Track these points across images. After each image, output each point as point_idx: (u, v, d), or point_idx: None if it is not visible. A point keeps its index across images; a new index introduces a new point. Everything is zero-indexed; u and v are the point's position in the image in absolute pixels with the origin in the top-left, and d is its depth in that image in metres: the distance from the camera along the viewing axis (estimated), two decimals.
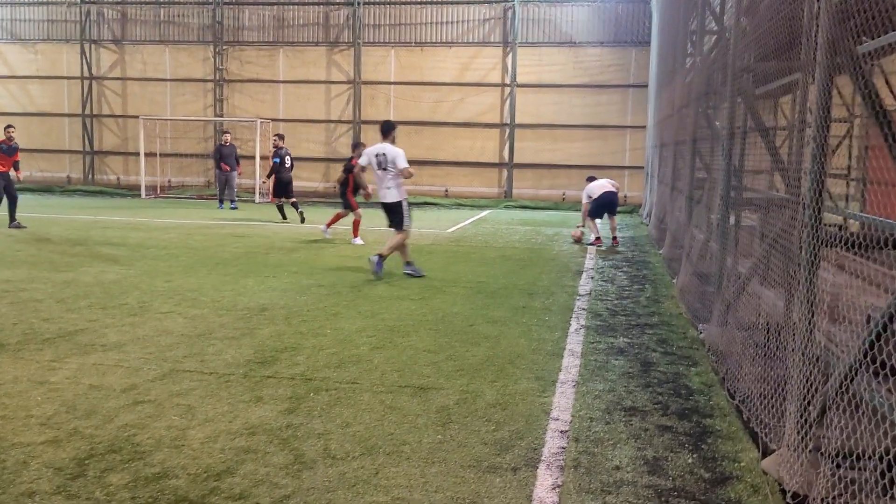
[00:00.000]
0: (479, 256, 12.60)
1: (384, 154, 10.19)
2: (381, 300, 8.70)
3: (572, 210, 23.62)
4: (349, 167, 13.58)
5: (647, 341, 7.08)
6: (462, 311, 8.19)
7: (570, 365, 6.20)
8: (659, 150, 17.40)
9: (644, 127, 24.24)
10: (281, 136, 18.42)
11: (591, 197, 14.64)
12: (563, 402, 5.25)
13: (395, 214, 10.33)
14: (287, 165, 17.78)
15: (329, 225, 14.74)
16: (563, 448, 4.44)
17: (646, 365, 6.27)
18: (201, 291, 8.93)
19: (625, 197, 25.11)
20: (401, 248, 10.42)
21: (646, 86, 24.04)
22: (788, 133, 9.53)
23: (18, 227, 15.09)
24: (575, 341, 7.01)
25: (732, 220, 7.03)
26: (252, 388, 5.37)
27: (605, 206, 14.59)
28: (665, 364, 6.31)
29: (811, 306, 4.04)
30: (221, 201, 21.56)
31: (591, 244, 14.48)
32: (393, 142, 10.40)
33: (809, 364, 3.95)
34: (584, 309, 8.49)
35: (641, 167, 24.31)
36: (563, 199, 25.41)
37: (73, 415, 4.77)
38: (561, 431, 4.71)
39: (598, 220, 14.75)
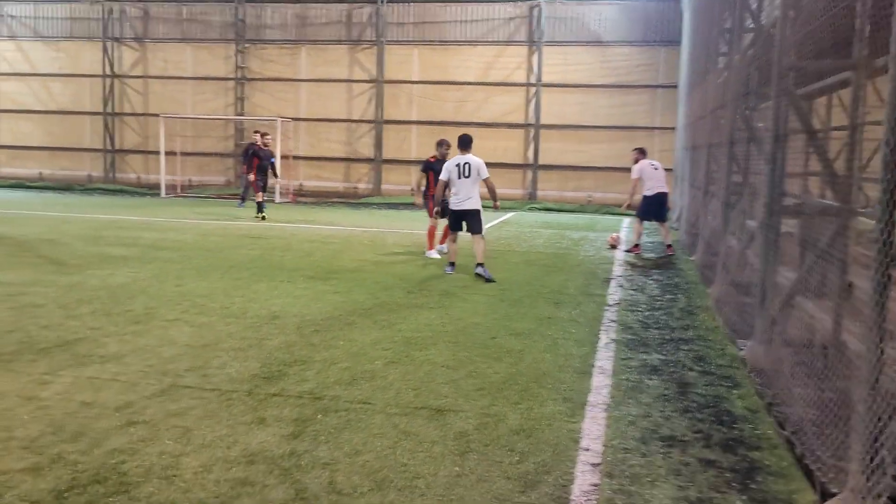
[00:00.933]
0: (501, 261, 12.13)
1: (468, 164, 10.70)
2: (399, 309, 8.26)
3: (598, 213, 23.10)
4: (429, 165, 12.65)
5: (683, 358, 6.59)
6: (484, 322, 7.73)
7: (601, 385, 5.72)
8: (690, 152, 16.83)
9: (673, 128, 23.63)
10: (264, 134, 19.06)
11: (641, 179, 13.44)
12: (593, 429, 4.79)
13: (477, 221, 10.88)
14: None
15: (442, 241, 12.73)
16: (596, 486, 3.98)
17: (683, 386, 5.78)
18: (211, 297, 8.54)
19: None
20: (452, 247, 11.20)
21: (675, 86, 23.43)
22: (824, 135, 9.02)
23: None
24: (605, 357, 6.53)
25: (776, 227, 6.52)
26: (255, 408, 4.95)
27: (656, 207, 13.59)
28: (704, 385, 5.81)
29: (881, 332, 3.54)
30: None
31: (628, 251, 13.63)
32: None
33: (880, 399, 3.46)
34: (613, 320, 8.01)
35: (670, 169, 23.62)
36: (589, 201, 24.85)
37: (59, 437, 4.37)
38: (592, 464, 4.25)
39: (644, 223, 13.91)
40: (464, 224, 10.97)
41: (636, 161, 13.84)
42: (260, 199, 17.98)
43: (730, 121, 9.80)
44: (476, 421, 4.86)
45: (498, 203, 11.48)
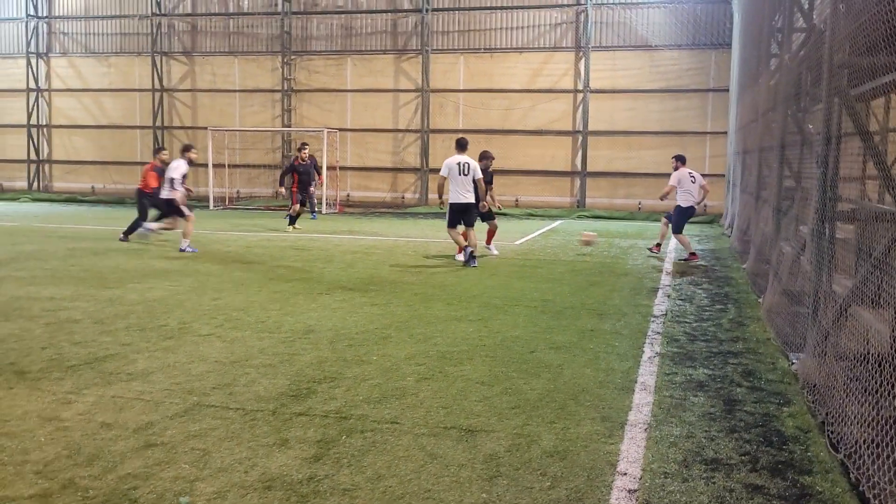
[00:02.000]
0: (546, 271, 11.85)
1: (468, 163, 12.42)
2: (437, 322, 8.05)
3: (649, 220, 22.63)
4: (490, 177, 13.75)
5: (731, 373, 6.25)
6: (523, 335, 7.48)
7: (642, 402, 5.43)
8: (742, 156, 16.34)
9: (725, 133, 23.06)
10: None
11: (681, 187, 13.33)
12: (632, 451, 4.51)
13: (472, 214, 12.55)
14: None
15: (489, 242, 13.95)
16: None
17: (730, 403, 5.46)
18: (247, 310, 8.45)
19: (704, 206, 23.94)
20: (460, 237, 12.51)
21: (727, 90, 22.87)
22: (882, 137, 8.57)
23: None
24: (648, 372, 6.23)
25: (828, 234, 6.15)
26: (279, 429, 4.78)
27: (686, 218, 13.62)
28: (752, 402, 5.48)
29: None
30: (313, 211, 21.10)
31: (685, 260, 13.31)
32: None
33: None
34: (658, 333, 7.68)
35: (722, 175, 23.10)
36: (639, 208, 24.38)
37: (74, 460, 4.25)
38: (629, 491, 3.97)
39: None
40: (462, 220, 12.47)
41: (676, 168, 13.75)
42: (294, 213, 17.94)
43: (781, 123, 9.41)
44: (508, 442, 4.62)
45: (485, 203, 12.94)
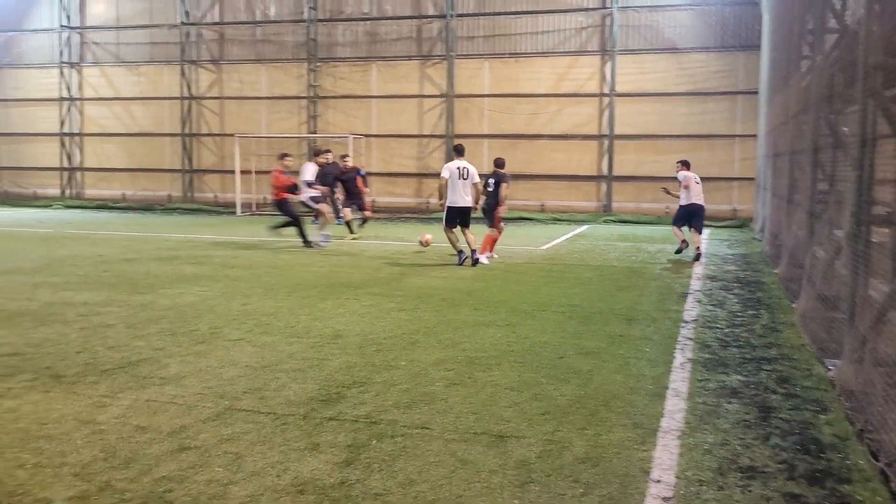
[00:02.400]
0: (573, 276, 11.79)
1: (467, 168, 12.95)
2: (465, 327, 8.03)
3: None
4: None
5: (765, 380, 6.16)
6: (552, 340, 7.43)
7: (675, 409, 5.37)
8: (772, 160, 16.15)
9: (755, 136, 22.81)
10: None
11: (682, 185, 14.30)
12: (665, 458, 4.45)
13: (469, 216, 13.12)
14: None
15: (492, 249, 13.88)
16: None
17: (765, 410, 5.38)
18: (276, 315, 8.48)
19: (734, 210, 23.74)
20: (453, 236, 13.13)
21: (756, 92, 22.64)
22: None
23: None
24: (680, 378, 6.16)
25: (864, 237, 6.05)
26: (310, 433, 4.78)
27: (691, 216, 14.31)
28: (788, 409, 5.40)
29: None
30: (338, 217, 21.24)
31: (682, 253, 14.45)
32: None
33: None
34: (690, 338, 7.60)
35: (752, 178, 22.87)
36: (667, 212, 24.16)
37: (110, 463, 4.29)
38: (663, 499, 3.93)
39: (684, 228, 14.53)
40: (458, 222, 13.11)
41: (679, 171, 14.69)
42: (347, 218, 17.95)
43: (813, 126, 9.29)
44: (539, 448, 4.59)
45: (478, 206, 13.38)
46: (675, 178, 14.61)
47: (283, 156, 16.39)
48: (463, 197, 12.85)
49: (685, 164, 14.82)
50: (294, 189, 15.64)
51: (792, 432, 4.93)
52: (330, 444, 4.62)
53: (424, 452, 4.50)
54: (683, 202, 14.36)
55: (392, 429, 4.89)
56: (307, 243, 15.31)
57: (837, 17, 8.82)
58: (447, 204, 12.94)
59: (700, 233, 14.35)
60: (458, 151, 13.30)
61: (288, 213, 15.66)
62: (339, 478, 4.12)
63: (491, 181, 13.51)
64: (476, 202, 13.17)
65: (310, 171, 16.07)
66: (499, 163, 13.76)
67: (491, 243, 13.65)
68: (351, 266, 12.67)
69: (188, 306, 8.97)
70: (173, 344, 7.12)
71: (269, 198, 17.13)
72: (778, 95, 15.06)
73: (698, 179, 14.58)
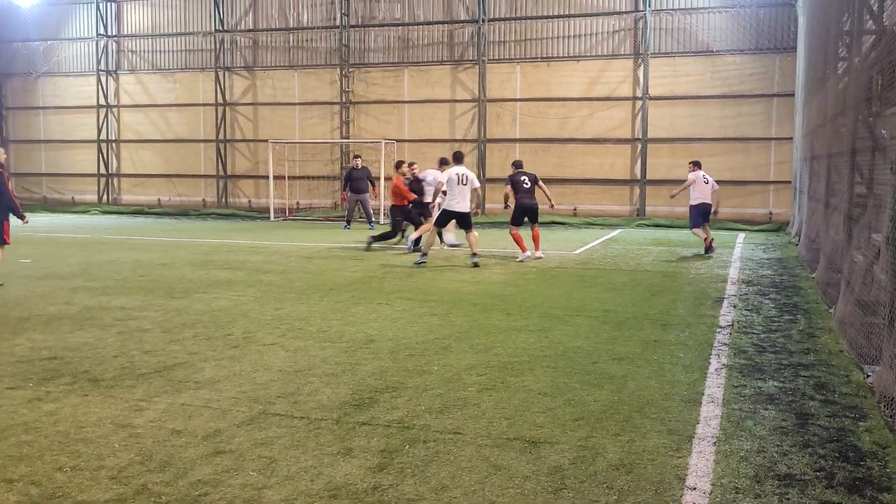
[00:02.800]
0: (606, 281, 11.72)
1: (466, 175, 13.77)
2: (497, 332, 8.02)
3: (712, 228, 22.15)
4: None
5: (803, 386, 6.07)
6: (585, 346, 7.39)
7: (710, 415, 5.31)
8: (809, 163, 15.93)
9: (791, 139, 22.51)
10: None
11: (694, 187, 15.43)
12: (701, 465, 4.40)
13: (468, 220, 13.85)
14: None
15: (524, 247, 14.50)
16: None
17: (802, 417, 5.30)
18: (309, 320, 8.53)
19: (770, 214, 23.43)
20: (431, 239, 14.06)
21: (792, 94, 22.34)
22: None
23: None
24: (715, 384, 6.09)
25: None
26: (343, 438, 4.80)
27: (706, 215, 15.54)
28: (826, 416, 5.31)
29: None
30: (349, 222, 21.62)
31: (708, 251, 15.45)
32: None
33: None
34: (725, 344, 7.51)
35: (788, 182, 22.55)
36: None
37: (146, 466, 4.34)
38: None
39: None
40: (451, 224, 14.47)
41: (691, 171, 15.77)
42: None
43: (851, 128, 9.15)
44: (572, 454, 4.56)
45: (478, 210, 14.36)
46: (717, 183, 15.62)
47: (402, 163, 16.90)
48: (459, 201, 13.63)
49: (696, 165, 15.78)
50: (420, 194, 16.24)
51: (830, 439, 4.85)
52: (363, 448, 4.63)
53: (457, 458, 4.50)
54: (694, 202, 15.44)
55: (425, 434, 4.89)
56: (377, 242, 16.02)
57: (875, 18, 8.69)
58: (444, 207, 13.96)
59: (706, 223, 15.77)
60: (457, 159, 14.10)
61: (409, 218, 16.24)
62: (373, 483, 4.13)
63: (526, 179, 14.36)
64: (477, 206, 14.23)
65: (439, 175, 15.58)
66: (518, 164, 14.88)
67: (537, 241, 14.55)
68: (383, 271, 12.71)
69: (222, 311, 9.06)
70: (208, 348, 7.20)
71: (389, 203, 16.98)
72: (814, 98, 14.86)
73: (707, 178, 15.55)
